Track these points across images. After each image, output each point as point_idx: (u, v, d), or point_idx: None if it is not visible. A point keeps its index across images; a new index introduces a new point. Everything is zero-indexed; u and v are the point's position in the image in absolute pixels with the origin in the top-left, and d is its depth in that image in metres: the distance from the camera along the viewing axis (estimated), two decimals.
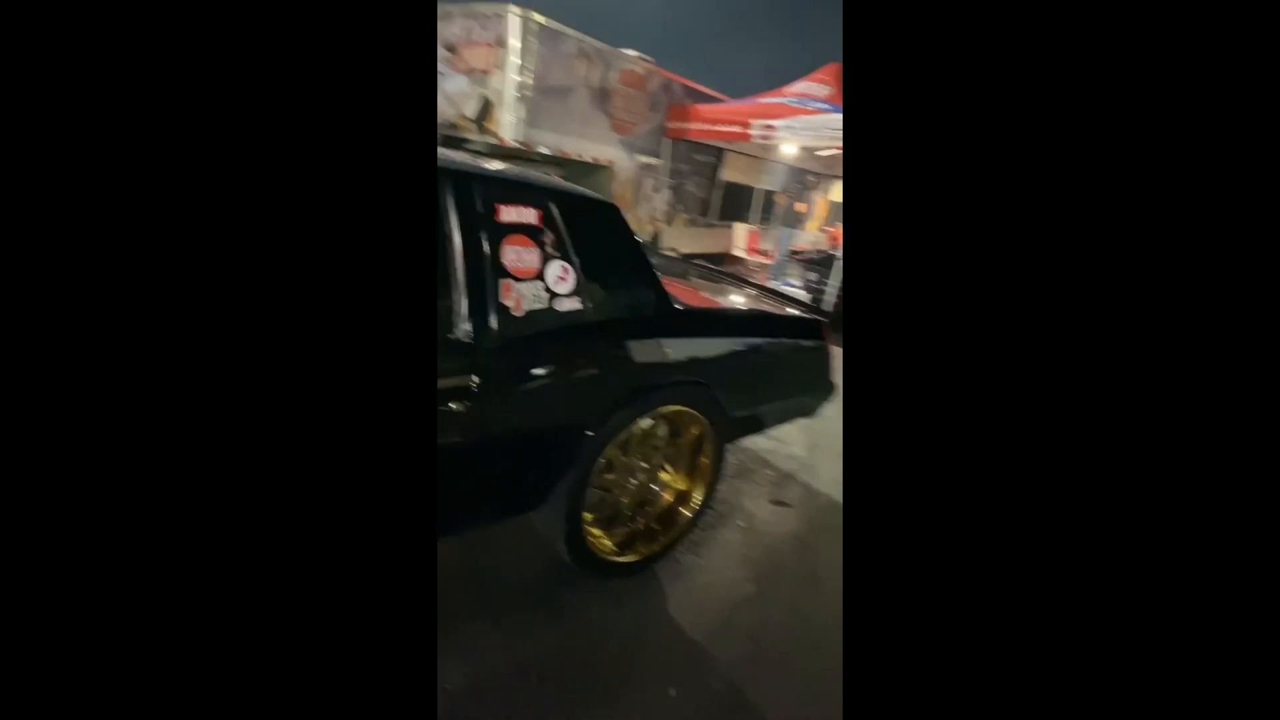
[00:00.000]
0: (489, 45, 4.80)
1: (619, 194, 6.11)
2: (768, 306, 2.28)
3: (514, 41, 4.66)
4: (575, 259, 1.47)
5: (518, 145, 4.93)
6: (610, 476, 1.83)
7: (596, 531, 1.86)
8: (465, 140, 5.15)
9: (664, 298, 1.69)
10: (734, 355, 1.96)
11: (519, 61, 4.70)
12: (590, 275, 1.50)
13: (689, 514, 2.02)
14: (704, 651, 1.66)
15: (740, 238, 8.15)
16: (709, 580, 1.97)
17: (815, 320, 2.26)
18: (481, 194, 1.32)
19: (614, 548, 1.86)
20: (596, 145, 5.69)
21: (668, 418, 1.86)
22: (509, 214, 1.35)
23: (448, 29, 5.01)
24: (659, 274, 1.72)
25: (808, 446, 3.08)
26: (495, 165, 1.55)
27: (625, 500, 1.90)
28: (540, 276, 1.41)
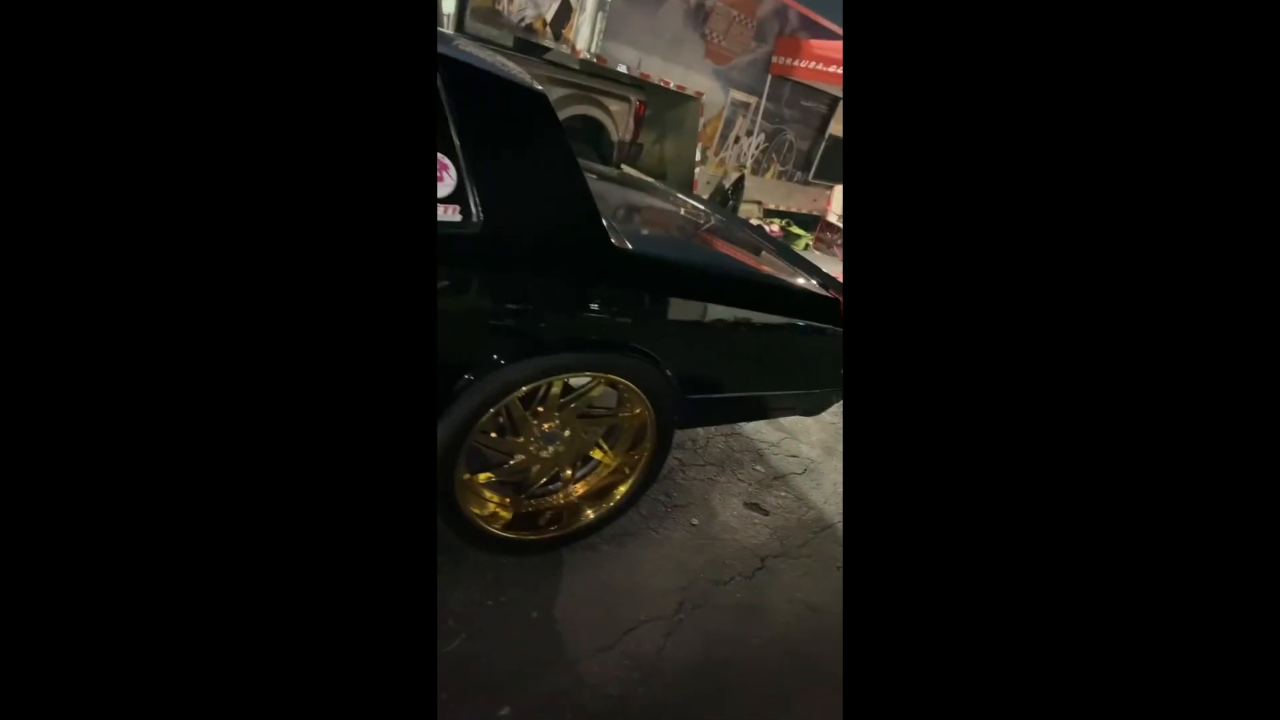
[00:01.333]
0: None
1: (704, 131, 5.55)
2: (770, 271, 1.81)
3: None
4: (461, 154, 1.12)
5: (591, 58, 4.49)
6: (518, 440, 1.52)
7: (492, 496, 1.57)
8: (543, 49, 4.77)
9: (598, 229, 1.31)
10: (703, 324, 1.55)
11: None
12: (482, 180, 1.14)
13: (592, 512, 1.67)
14: (569, 670, 1.36)
15: (840, 202, 7.30)
16: (620, 582, 1.64)
17: (832, 300, 1.77)
18: None
19: (503, 517, 1.56)
20: (685, 71, 5.11)
21: (615, 385, 1.50)
22: None
23: None
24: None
25: (822, 448, 2.61)
26: None
27: (535, 470, 1.59)
28: None
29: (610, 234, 1.33)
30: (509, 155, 1.18)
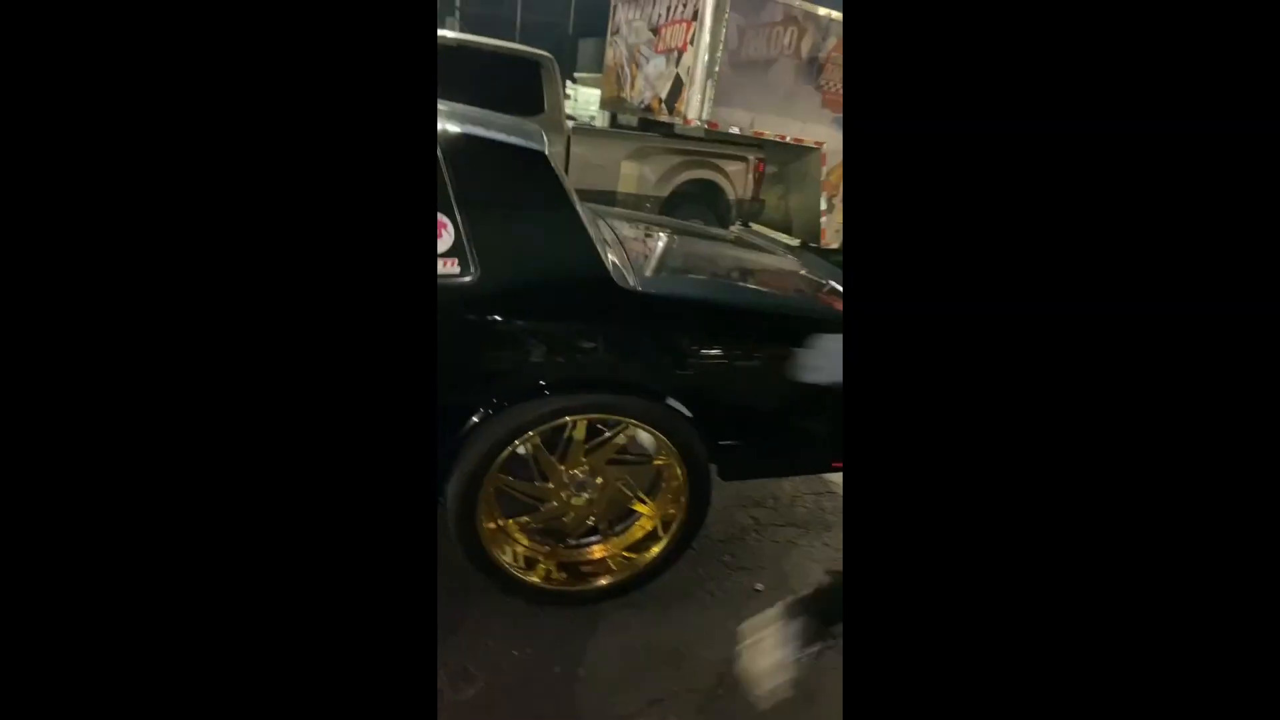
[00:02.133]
0: (687, 22, 4.62)
1: (829, 180, 5.38)
2: (828, 304, 1.66)
3: (707, 14, 4.39)
4: (459, 215, 1.22)
5: (702, 125, 4.66)
6: (548, 485, 1.53)
7: (523, 540, 1.59)
8: (662, 124, 5.09)
9: (599, 272, 1.32)
10: (734, 364, 1.46)
11: (708, 37, 4.41)
12: (478, 236, 1.23)
13: (612, 572, 1.57)
14: None
15: None
16: (659, 645, 1.52)
17: None
18: None
19: (542, 566, 1.56)
20: (802, 124, 5.06)
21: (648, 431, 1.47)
22: None
23: (652, 11, 4.97)
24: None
25: None
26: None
27: (569, 517, 1.58)
28: None
29: (616, 276, 1.34)
30: (504, 211, 1.26)
